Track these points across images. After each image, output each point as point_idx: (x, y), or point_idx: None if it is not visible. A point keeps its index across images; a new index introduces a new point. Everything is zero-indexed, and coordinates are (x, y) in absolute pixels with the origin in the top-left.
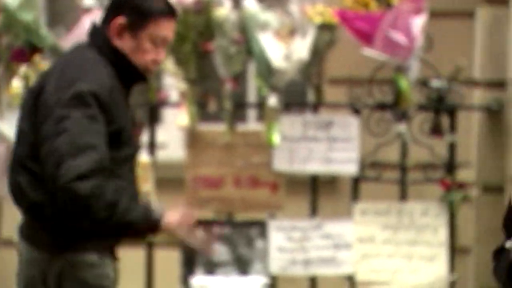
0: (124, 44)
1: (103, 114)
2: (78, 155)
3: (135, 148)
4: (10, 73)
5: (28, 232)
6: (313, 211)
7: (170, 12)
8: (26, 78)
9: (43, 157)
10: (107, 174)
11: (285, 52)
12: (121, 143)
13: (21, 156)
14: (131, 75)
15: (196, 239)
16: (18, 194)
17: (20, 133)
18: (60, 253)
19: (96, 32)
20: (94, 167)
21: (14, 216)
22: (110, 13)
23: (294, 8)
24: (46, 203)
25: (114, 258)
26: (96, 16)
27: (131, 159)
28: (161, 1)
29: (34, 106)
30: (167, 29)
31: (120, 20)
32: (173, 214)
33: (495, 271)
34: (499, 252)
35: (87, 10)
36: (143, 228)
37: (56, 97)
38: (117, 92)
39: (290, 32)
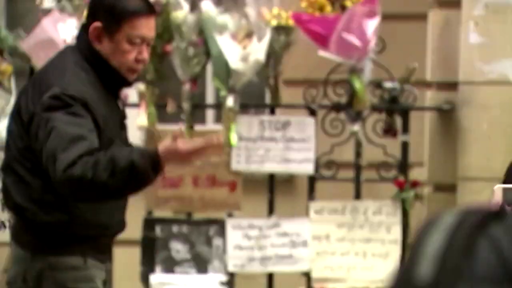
0: (103, 47)
1: (87, 111)
2: (68, 148)
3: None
4: None
5: (14, 231)
6: (270, 210)
7: (144, 10)
8: None
9: (44, 161)
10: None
11: (242, 54)
12: (104, 144)
13: (10, 159)
14: (113, 78)
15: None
16: (4, 195)
17: (10, 136)
18: (42, 254)
19: (80, 36)
20: (82, 152)
21: None
22: (89, 18)
23: (250, 11)
24: (29, 206)
25: (104, 259)
26: (55, 18)
27: None
28: (133, 1)
29: (18, 110)
30: (143, 28)
31: (96, 24)
32: (164, 142)
33: None
34: None
35: (46, 12)
36: (146, 167)
37: (37, 102)
38: (94, 97)
39: (247, 34)
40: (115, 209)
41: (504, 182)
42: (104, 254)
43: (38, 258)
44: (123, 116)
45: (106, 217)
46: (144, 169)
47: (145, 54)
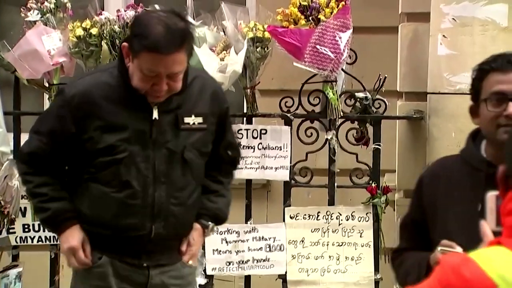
0: (130, 66)
1: (73, 118)
2: (31, 136)
3: (126, 153)
4: None
5: None
6: (248, 215)
7: (161, 48)
8: None
9: None
10: (45, 162)
11: (220, 65)
12: (98, 150)
13: None
14: (134, 94)
15: (73, 263)
16: None
17: None
18: None
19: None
20: (31, 150)
21: None
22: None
23: (228, 24)
24: None
25: (136, 262)
26: (39, 31)
27: (117, 164)
28: (155, 33)
29: None
30: (155, 65)
31: (125, 43)
32: (70, 238)
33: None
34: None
35: (31, 24)
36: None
37: None
38: (102, 103)
39: (225, 46)
40: (125, 211)
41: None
42: (136, 257)
43: None
44: (159, 122)
45: (108, 216)
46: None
47: (162, 86)
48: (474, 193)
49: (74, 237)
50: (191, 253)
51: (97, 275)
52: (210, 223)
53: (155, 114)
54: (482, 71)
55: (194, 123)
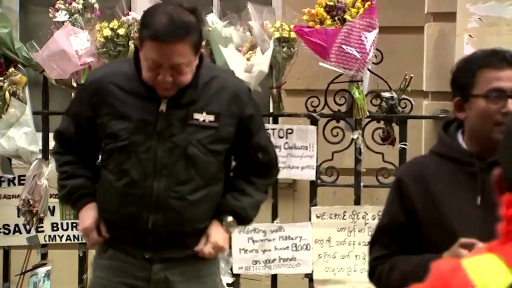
0: (140, 55)
1: (89, 103)
2: (63, 117)
3: (126, 142)
4: None
5: None
6: (274, 214)
7: (160, 36)
8: (0, 89)
9: None
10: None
11: (246, 65)
12: (105, 136)
13: None
14: (146, 86)
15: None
16: None
17: None
18: None
19: None
20: (60, 130)
21: None
22: None
23: (254, 24)
24: None
25: (139, 256)
26: (67, 31)
27: (117, 151)
28: (158, 23)
29: None
30: (155, 53)
31: (136, 34)
32: (85, 218)
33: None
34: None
35: (59, 25)
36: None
37: None
38: (115, 91)
39: (251, 46)
40: (124, 200)
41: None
42: (138, 248)
43: None
44: (166, 115)
45: (111, 204)
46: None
47: (165, 77)
48: (469, 187)
49: (88, 217)
50: (206, 246)
51: (102, 268)
52: (229, 217)
53: (162, 107)
54: (472, 65)
55: (204, 120)
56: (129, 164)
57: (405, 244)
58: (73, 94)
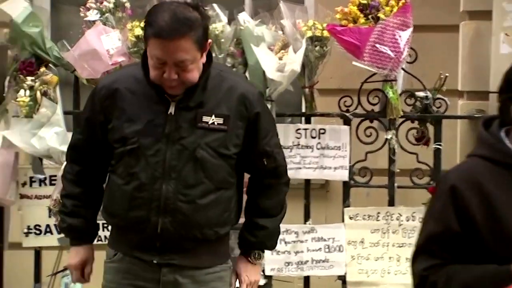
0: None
1: (101, 108)
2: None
3: (135, 145)
4: (17, 84)
5: None
6: (306, 215)
7: (162, 34)
8: (32, 89)
9: None
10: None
11: (278, 64)
12: (116, 140)
13: None
14: (155, 88)
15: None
16: None
17: None
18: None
19: None
20: (71, 144)
21: (20, 221)
22: None
23: (286, 22)
24: None
25: (148, 259)
26: (98, 30)
27: (126, 155)
28: (160, 20)
29: None
30: (158, 50)
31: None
32: (73, 256)
33: None
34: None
35: (90, 24)
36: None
37: None
38: (125, 94)
39: (283, 45)
40: (133, 204)
41: None
42: (146, 252)
43: None
44: (177, 120)
45: (119, 208)
46: None
47: (170, 74)
48: None
49: (76, 256)
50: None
51: (111, 271)
52: (252, 253)
53: (171, 109)
54: None
55: (213, 123)
56: (138, 167)
57: (458, 253)
58: None
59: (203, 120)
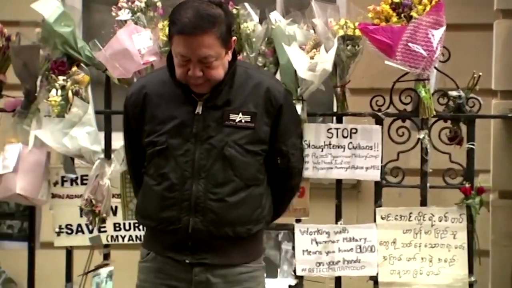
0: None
1: (133, 116)
2: None
3: (164, 145)
4: (49, 84)
5: None
6: (338, 215)
7: (185, 30)
8: (63, 88)
9: None
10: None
11: (310, 63)
12: (147, 143)
13: None
14: (182, 89)
15: None
16: None
17: None
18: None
19: None
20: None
21: (51, 221)
22: None
23: (318, 21)
24: None
25: (181, 259)
26: (130, 30)
27: (156, 156)
28: (183, 17)
29: None
30: (182, 47)
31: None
32: None
33: None
34: None
35: (122, 23)
36: None
37: None
38: (154, 98)
39: (315, 44)
40: (164, 204)
41: None
42: (178, 252)
43: None
44: (202, 117)
45: (151, 209)
46: None
47: (194, 71)
48: None
49: None
50: None
51: (145, 270)
52: None
53: (198, 109)
54: None
55: (240, 121)
56: (168, 167)
57: None
58: None
59: (230, 118)
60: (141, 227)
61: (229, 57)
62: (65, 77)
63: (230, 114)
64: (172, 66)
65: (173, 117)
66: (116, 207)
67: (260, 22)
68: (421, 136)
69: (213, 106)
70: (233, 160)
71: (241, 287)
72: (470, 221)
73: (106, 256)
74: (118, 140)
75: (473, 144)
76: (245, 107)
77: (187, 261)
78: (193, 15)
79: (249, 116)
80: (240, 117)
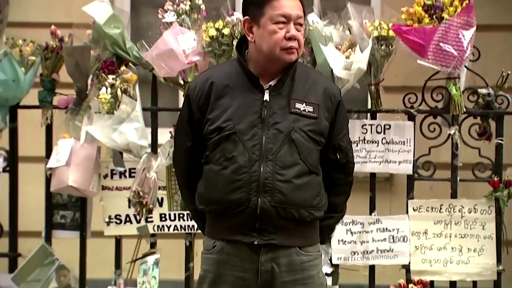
0: (256, 36)
1: (197, 106)
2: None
3: (232, 130)
4: (99, 82)
5: None
6: (372, 207)
7: None
8: (112, 87)
9: None
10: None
11: (346, 63)
12: (212, 130)
13: None
14: (250, 75)
15: None
16: None
17: None
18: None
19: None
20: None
21: (101, 211)
22: (243, 18)
23: (353, 23)
24: None
25: (246, 243)
26: (175, 31)
27: (224, 140)
28: None
29: None
30: (283, 7)
31: (246, 18)
32: None
33: None
34: None
35: (167, 25)
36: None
37: None
38: (220, 87)
39: (351, 45)
40: (232, 187)
41: None
42: (246, 234)
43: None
44: (270, 104)
45: (217, 192)
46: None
47: (294, 32)
48: None
49: None
50: None
51: (210, 261)
52: None
53: (266, 96)
54: None
55: (304, 110)
56: (236, 151)
57: None
58: (180, 92)
59: (296, 106)
60: (185, 217)
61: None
62: (114, 76)
63: (296, 103)
64: (243, 59)
65: (240, 103)
66: (162, 198)
67: None
68: (452, 132)
69: (278, 95)
70: (299, 144)
71: (303, 275)
72: (498, 212)
73: (153, 245)
74: (164, 135)
75: (501, 139)
76: (307, 98)
77: (255, 243)
78: None
79: (312, 107)
80: (304, 107)
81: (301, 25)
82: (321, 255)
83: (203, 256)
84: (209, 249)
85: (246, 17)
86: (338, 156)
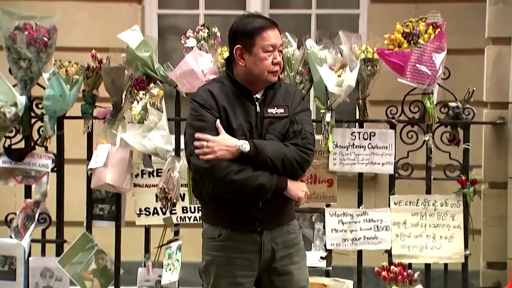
0: (247, 62)
1: (205, 109)
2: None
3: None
4: (132, 97)
5: None
6: (359, 201)
7: (268, 25)
8: (142, 100)
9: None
10: None
11: (338, 80)
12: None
13: None
14: (243, 89)
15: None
16: None
17: None
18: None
19: (226, 65)
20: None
21: (133, 205)
22: (231, 47)
23: (344, 47)
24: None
25: (253, 227)
26: (195, 54)
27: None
28: (259, 20)
29: None
30: (271, 38)
31: (238, 46)
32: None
33: None
34: None
35: (189, 49)
36: None
37: None
38: (222, 99)
39: (342, 65)
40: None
41: None
42: (250, 224)
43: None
44: (262, 116)
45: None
46: None
47: (279, 58)
48: None
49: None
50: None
51: (217, 247)
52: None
53: (258, 108)
54: None
55: (277, 113)
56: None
57: None
58: None
59: (268, 111)
60: (198, 209)
61: None
62: (144, 92)
63: (269, 109)
64: (234, 82)
65: (240, 116)
66: (184, 194)
67: (298, 48)
68: (426, 138)
69: (263, 104)
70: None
71: (293, 249)
72: (466, 206)
73: (176, 233)
74: None
75: (468, 145)
76: (280, 103)
77: (258, 230)
78: (263, 18)
79: (283, 108)
80: (276, 110)
81: (281, 51)
82: (301, 233)
83: (207, 243)
84: (214, 237)
85: (238, 45)
86: (294, 127)
